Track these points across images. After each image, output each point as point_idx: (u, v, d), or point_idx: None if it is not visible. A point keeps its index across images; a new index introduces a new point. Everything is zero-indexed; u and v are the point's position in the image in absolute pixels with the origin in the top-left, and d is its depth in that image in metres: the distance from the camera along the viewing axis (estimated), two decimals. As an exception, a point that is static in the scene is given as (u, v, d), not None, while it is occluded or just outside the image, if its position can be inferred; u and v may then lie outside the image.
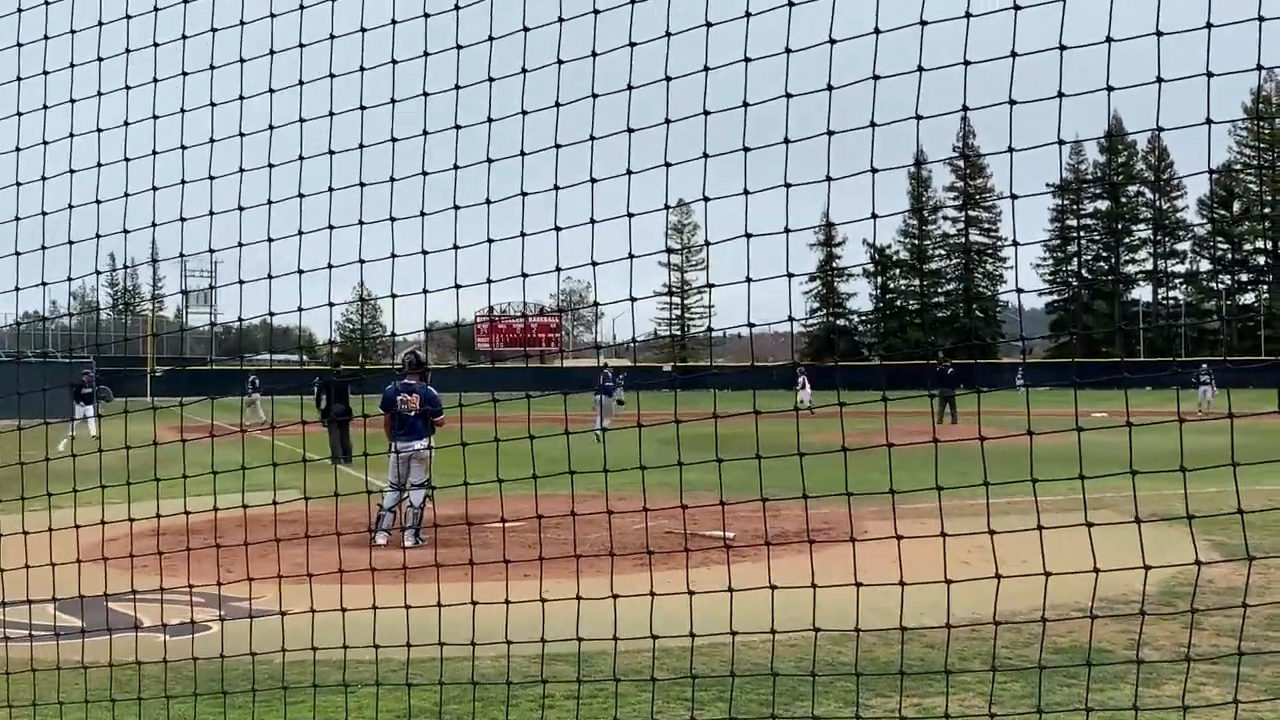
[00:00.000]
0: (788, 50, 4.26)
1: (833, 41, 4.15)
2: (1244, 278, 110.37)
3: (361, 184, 5.22)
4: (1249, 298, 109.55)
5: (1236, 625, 8.10)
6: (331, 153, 5.30)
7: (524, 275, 4.96)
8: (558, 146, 4.67)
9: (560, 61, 4.60)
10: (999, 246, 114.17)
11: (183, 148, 5.66)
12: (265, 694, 5.67)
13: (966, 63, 3.97)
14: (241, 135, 5.53)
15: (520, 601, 4.68)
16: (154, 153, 5.61)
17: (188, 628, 7.00)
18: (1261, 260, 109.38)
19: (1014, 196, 4.23)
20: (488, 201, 4.92)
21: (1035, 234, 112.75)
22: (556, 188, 4.66)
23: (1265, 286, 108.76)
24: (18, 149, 5.91)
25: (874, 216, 4.57)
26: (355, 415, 23.67)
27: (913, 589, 4.19)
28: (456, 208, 4.97)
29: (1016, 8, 3.96)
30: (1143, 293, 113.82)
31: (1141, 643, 7.91)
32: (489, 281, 4.98)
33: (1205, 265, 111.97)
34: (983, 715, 6.26)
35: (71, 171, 5.76)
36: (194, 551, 5.56)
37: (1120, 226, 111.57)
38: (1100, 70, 4.09)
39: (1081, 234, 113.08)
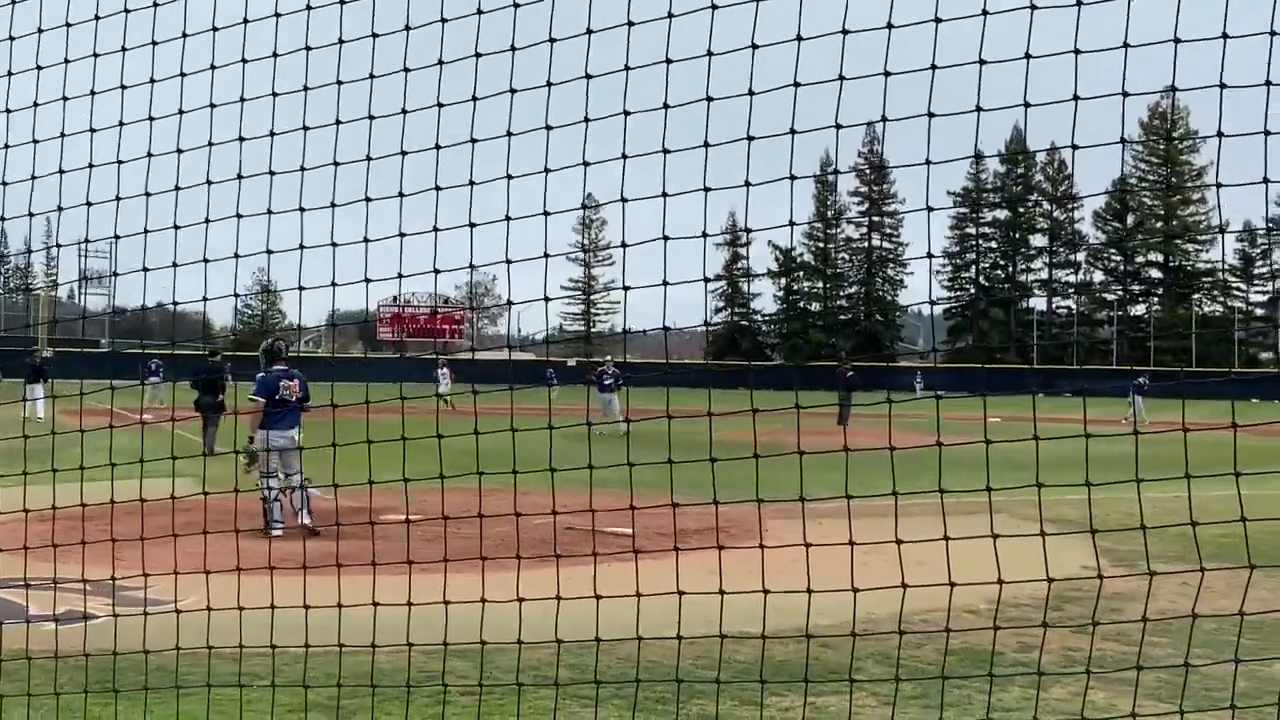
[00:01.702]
0: (709, 54, 4.27)
1: (755, 47, 4.17)
2: (1136, 289, 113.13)
3: (271, 172, 5.14)
4: (1140, 309, 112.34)
5: (1123, 629, 8.29)
6: (242, 139, 5.21)
7: (436, 271, 4.91)
8: (474, 141, 4.64)
9: (477, 55, 4.56)
10: (900, 251, 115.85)
11: (91, 131, 5.51)
12: (158, 691, 5.55)
13: (887, 73, 4.02)
14: (151, 119, 5.41)
15: (422, 604, 4.63)
16: (61, 135, 5.47)
17: (79, 617, 6.83)
18: (1154, 273, 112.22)
19: (929, 209, 4.28)
20: (400, 195, 4.86)
21: (936, 241, 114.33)
22: (472, 183, 4.62)
23: (1156, 299, 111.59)
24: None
25: (791, 224, 4.61)
26: (225, 410, 22.78)
27: (813, 585, 4.22)
28: (368, 200, 4.90)
29: (938, 21, 4.01)
30: (1038, 302, 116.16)
31: (1031, 646, 8.06)
32: (400, 276, 4.92)
33: (1099, 276, 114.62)
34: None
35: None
36: (88, 541, 5.43)
37: (1018, 236, 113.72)
38: (1011, 86, 4.17)
39: (980, 243, 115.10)
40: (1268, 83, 3.81)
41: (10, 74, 5.52)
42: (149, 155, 5.41)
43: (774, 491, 4.44)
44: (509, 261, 4.58)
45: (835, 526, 4.31)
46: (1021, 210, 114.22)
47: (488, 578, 4.41)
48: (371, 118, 4.92)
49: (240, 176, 5.16)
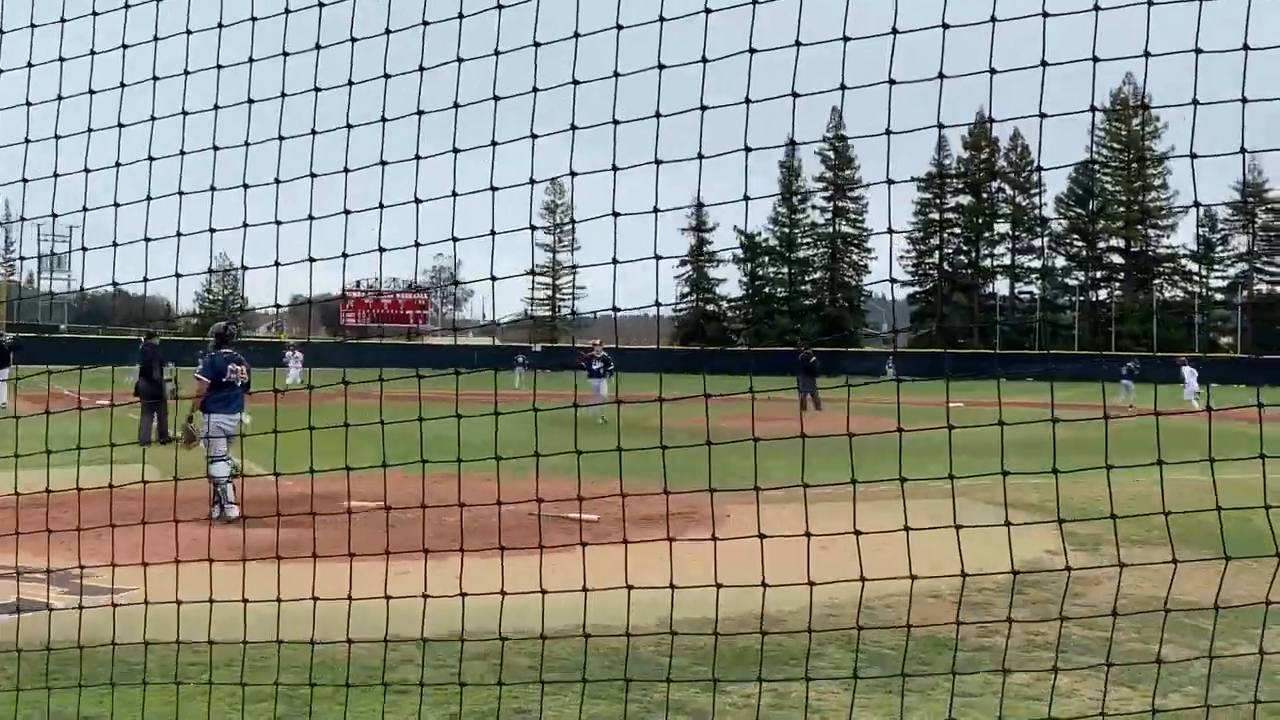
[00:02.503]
0: (660, 19, 4.13)
1: (708, 11, 4.03)
2: (1098, 274, 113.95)
3: (214, 147, 4.95)
4: (1102, 294, 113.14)
5: (1083, 614, 8.24)
6: (185, 113, 5.03)
7: (380, 249, 4.75)
8: (419, 112, 4.48)
9: (425, 23, 4.40)
10: (865, 237, 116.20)
11: (27, 104, 5.32)
12: (94, 687, 5.37)
13: (846, 38, 3.89)
14: (91, 92, 5.22)
15: (364, 598, 4.47)
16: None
17: (11, 608, 6.64)
18: (1115, 258, 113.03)
19: (890, 181, 4.16)
20: (345, 170, 4.71)
21: (899, 227, 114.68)
22: (417, 157, 4.46)
23: (1118, 284, 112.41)
24: None
25: (746, 199, 4.48)
26: (167, 395, 21.81)
27: (771, 572, 4.10)
28: (312, 175, 4.74)
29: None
30: (1000, 286, 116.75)
31: (994, 631, 8.01)
32: (343, 256, 4.77)
33: (1061, 261, 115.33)
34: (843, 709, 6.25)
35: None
36: (27, 531, 5.25)
37: (981, 221, 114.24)
38: (976, 57, 4.06)
39: (943, 228, 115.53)
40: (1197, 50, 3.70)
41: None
42: (89, 130, 5.22)
43: (739, 478, 4.33)
44: (455, 239, 4.43)
45: (796, 513, 4.19)
46: (984, 195, 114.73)
47: (448, 566, 4.27)
48: (317, 90, 4.75)
49: (181, 152, 4.97)
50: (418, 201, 4.53)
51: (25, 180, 5.31)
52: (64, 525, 5.36)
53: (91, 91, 5.23)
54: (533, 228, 4.59)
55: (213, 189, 4.94)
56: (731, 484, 4.45)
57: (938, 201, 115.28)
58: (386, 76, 4.46)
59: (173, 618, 4.58)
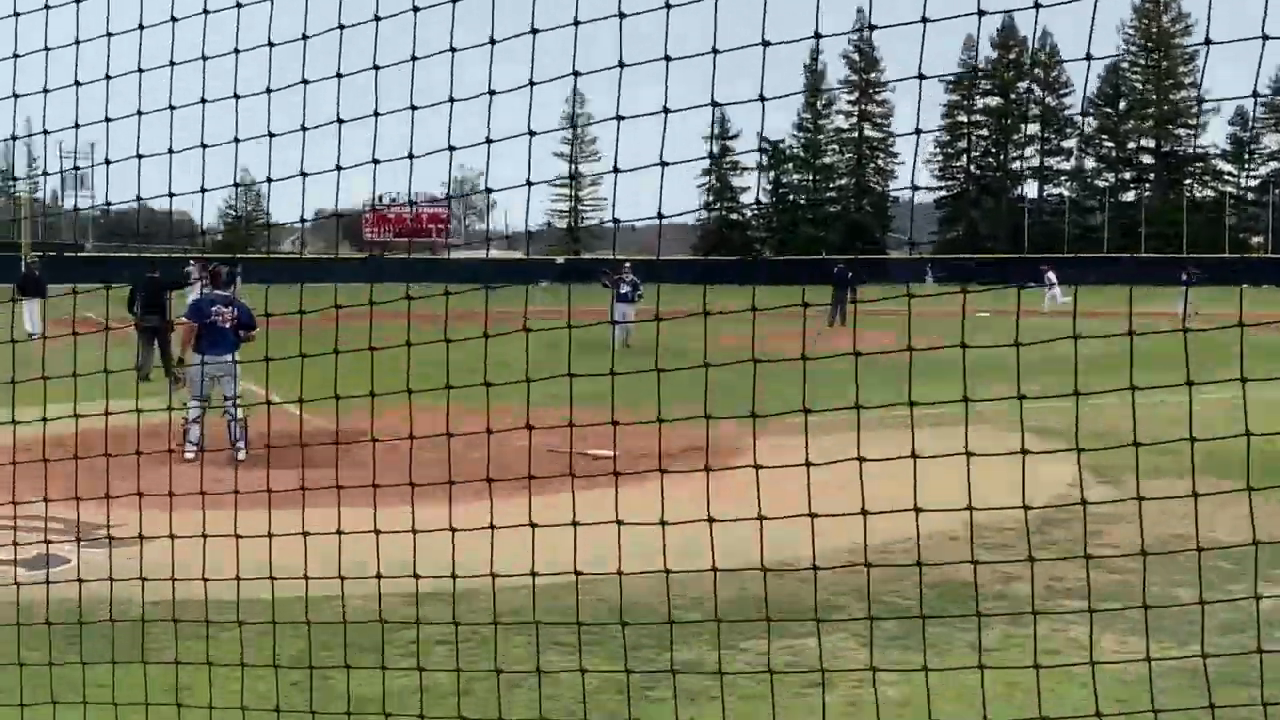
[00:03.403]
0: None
1: None
2: (1127, 175, 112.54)
3: (235, 50, 4.82)
4: (1130, 195, 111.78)
5: (1106, 556, 8.02)
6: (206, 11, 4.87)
7: (411, 156, 4.62)
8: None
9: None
10: (890, 141, 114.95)
11: (45, 7, 5.15)
12: (123, 647, 5.37)
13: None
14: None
15: (390, 531, 4.44)
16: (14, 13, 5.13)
17: (41, 562, 6.65)
18: (1146, 158, 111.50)
19: (921, 76, 4.00)
20: (374, 67, 4.54)
21: (927, 133, 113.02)
22: (453, 49, 4.31)
23: (1147, 185, 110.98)
24: None
25: (761, 98, 4.29)
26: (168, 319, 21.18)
27: (779, 512, 4.01)
28: (339, 75, 4.60)
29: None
30: (1029, 189, 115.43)
31: (1014, 577, 7.87)
32: (373, 162, 4.62)
33: (1090, 163, 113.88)
34: (860, 668, 6.21)
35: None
36: (33, 472, 5.21)
37: (1009, 123, 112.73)
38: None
39: (971, 130, 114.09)
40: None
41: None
42: (107, 35, 5.04)
43: (744, 403, 4.21)
44: (490, 140, 4.31)
45: (820, 446, 4.07)
46: (1013, 96, 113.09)
47: (456, 509, 4.23)
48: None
49: (203, 56, 4.83)
50: (452, 101, 4.40)
51: (46, 90, 5.19)
52: (87, 466, 5.34)
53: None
54: (531, 133, 4.46)
55: (236, 96, 4.80)
56: (737, 411, 4.31)
57: (965, 103, 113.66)
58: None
59: (197, 569, 4.57)
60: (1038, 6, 3.93)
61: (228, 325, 13.80)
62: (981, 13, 3.97)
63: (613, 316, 27.60)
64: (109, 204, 7.05)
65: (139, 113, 5.00)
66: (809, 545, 3.97)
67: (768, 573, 4.58)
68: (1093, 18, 3.79)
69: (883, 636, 6.63)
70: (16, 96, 5.25)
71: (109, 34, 5.00)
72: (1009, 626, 7.01)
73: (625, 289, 29.82)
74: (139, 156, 5.06)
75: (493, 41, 4.32)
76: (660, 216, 4.58)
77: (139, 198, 5.55)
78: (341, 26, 4.57)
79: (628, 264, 32.19)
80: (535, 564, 4.10)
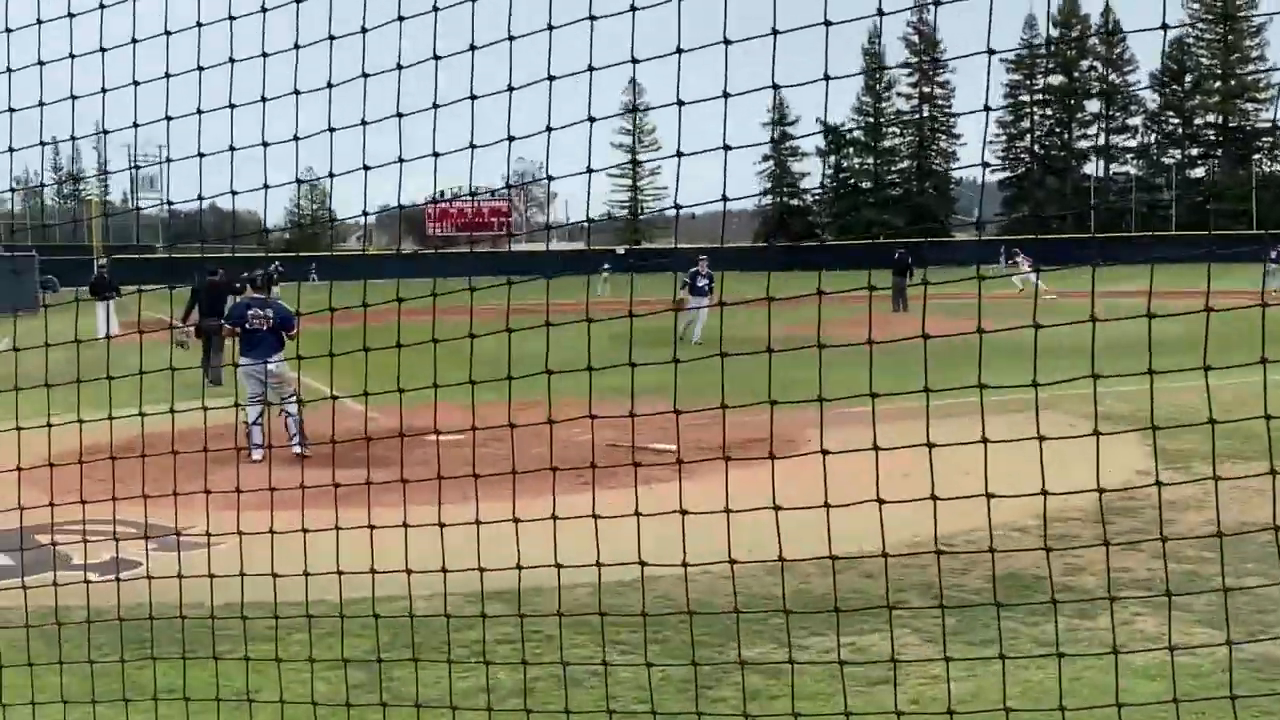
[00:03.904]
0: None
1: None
2: (1194, 152, 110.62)
3: (295, 46, 4.84)
4: (1199, 172, 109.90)
5: (1174, 546, 7.82)
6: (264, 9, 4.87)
7: (471, 146, 4.60)
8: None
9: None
10: (953, 123, 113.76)
11: (100, 6, 5.19)
12: (191, 645, 5.41)
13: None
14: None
15: (454, 524, 4.44)
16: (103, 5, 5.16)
17: (111, 566, 6.71)
18: (1211, 134, 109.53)
19: (991, 51, 3.93)
20: (434, 57, 4.54)
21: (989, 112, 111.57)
22: (510, 37, 4.32)
23: (1214, 161, 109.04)
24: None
25: (826, 78, 4.24)
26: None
27: (849, 511, 3.95)
28: (399, 67, 4.62)
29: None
30: (1092, 168, 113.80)
31: (1078, 569, 7.73)
32: (434, 155, 4.62)
33: (1155, 139, 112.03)
34: (935, 659, 6.13)
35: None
36: (117, 476, 5.27)
37: (1072, 102, 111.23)
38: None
39: (1034, 109, 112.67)
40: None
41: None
42: (165, 33, 5.07)
43: (806, 392, 4.16)
44: (550, 128, 4.29)
45: (883, 432, 4.00)
46: (1076, 75, 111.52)
47: (520, 505, 4.21)
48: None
49: (297, 46, 4.84)
50: (510, 89, 4.38)
51: (104, 90, 5.22)
52: (154, 467, 5.40)
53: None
54: (591, 119, 4.43)
55: (296, 92, 4.80)
56: (797, 397, 4.24)
57: (1028, 82, 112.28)
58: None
59: (267, 574, 4.59)
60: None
61: (265, 329, 13.95)
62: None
63: (677, 309, 26.18)
64: (170, 203, 7.13)
65: (198, 111, 5.00)
66: (868, 539, 3.91)
67: (835, 562, 4.51)
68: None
69: (945, 633, 6.53)
70: (74, 98, 5.31)
71: (165, 32, 5.03)
72: (1073, 619, 6.89)
73: (702, 281, 28.91)
74: (200, 155, 5.09)
75: (550, 28, 4.30)
76: (724, 199, 4.55)
77: (200, 196, 5.57)
78: (401, 18, 4.57)
79: (703, 256, 31.48)
80: (600, 556, 4.08)
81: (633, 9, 4.20)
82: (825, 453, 3.94)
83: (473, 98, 4.57)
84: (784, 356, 4.01)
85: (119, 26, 5.16)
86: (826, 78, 4.18)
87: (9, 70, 5.36)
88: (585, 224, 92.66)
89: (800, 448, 4.80)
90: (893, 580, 7.65)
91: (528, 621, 5.92)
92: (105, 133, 5.74)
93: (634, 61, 4.32)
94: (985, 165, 4.83)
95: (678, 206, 4.91)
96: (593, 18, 4.24)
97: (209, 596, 5.13)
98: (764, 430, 4.29)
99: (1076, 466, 3.83)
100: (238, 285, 22.14)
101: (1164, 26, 3.86)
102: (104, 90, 5.21)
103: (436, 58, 4.55)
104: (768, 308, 4.04)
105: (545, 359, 4.13)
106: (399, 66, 4.62)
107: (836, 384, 4.28)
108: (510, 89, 4.45)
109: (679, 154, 4.45)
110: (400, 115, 4.66)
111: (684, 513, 4.17)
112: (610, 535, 4.19)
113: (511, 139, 4.54)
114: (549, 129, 4.41)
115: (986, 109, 4.45)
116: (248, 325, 14.04)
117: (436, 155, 4.62)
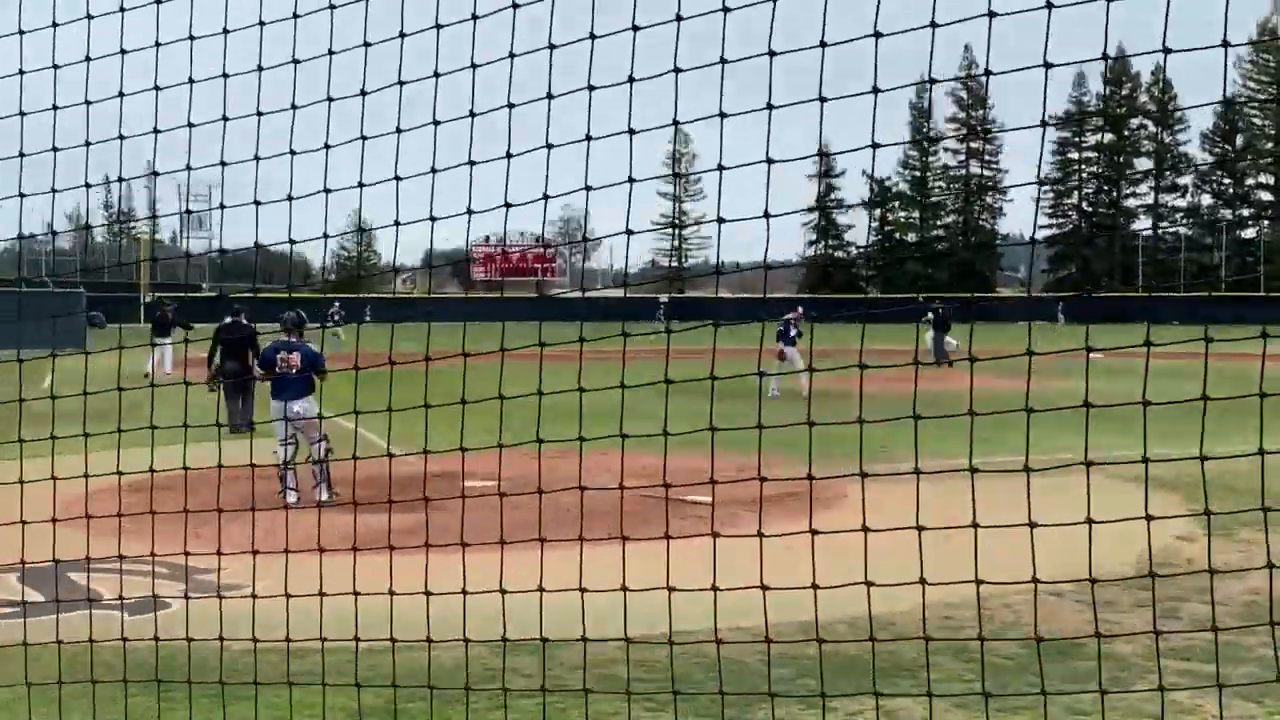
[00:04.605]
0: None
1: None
2: (1245, 213, 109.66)
3: (362, 92, 4.80)
4: (1250, 233, 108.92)
5: (1211, 614, 7.56)
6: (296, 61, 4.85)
7: (506, 205, 4.56)
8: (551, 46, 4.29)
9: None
10: (1000, 179, 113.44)
11: (156, 45, 5.15)
12: (204, 687, 5.32)
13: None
14: (226, 31, 5.04)
15: (478, 592, 4.30)
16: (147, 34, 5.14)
17: (147, 604, 6.65)
18: (1264, 195, 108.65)
19: (1044, 124, 3.87)
20: (471, 114, 4.50)
21: (1036, 167, 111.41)
22: (549, 98, 4.25)
23: (1266, 222, 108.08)
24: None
25: (874, 147, 4.17)
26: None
27: (888, 567, 3.82)
28: (435, 122, 4.57)
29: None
30: (1142, 225, 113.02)
31: (1114, 634, 7.50)
32: (468, 213, 4.60)
33: (1207, 200, 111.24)
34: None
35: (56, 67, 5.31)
36: (154, 516, 5.20)
37: (1121, 160, 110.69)
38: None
39: (1083, 167, 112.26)
40: None
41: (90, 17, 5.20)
42: (223, 75, 5.04)
43: (848, 451, 4.05)
44: (588, 189, 4.26)
45: (935, 490, 3.88)
46: (1125, 133, 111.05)
47: (547, 555, 4.12)
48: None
49: (329, 98, 4.81)
50: (549, 146, 4.35)
51: (157, 131, 5.21)
52: (179, 508, 5.33)
53: (226, 31, 5.03)
54: (631, 180, 4.38)
55: (363, 136, 4.77)
56: (849, 459, 4.14)
57: (1076, 140, 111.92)
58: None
59: (281, 615, 4.51)
60: (1166, 51, 3.77)
61: (293, 371, 13.88)
62: (1106, 57, 3.84)
63: (761, 362, 25.69)
64: (223, 250, 7.13)
65: (256, 158, 4.98)
66: (899, 600, 3.78)
67: (873, 631, 4.38)
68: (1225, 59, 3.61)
69: (975, 698, 6.33)
70: (123, 138, 5.30)
71: (224, 75, 5.01)
72: (1107, 686, 6.67)
73: (795, 332, 26.77)
74: (256, 204, 5.07)
75: (590, 88, 4.27)
76: (766, 267, 4.51)
77: (257, 245, 5.51)
78: (437, 75, 4.55)
79: (800, 308, 30.57)
80: (627, 619, 3.98)
81: (675, 70, 4.16)
82: (867, 530, 3.86)
83: (509, 156, 4.53)
84: (825, 409, 3.91)
85: (177, 63, 5.15)
86: (874, 145, 4.13)
87: (54, 108, 5.37)
88: (624, 280, 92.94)
89: (840, 505, 4.67)
90: (928, 646, 7.44)
91: (550, 678, 5.79)
92: (155, 174, 5.74)
93: (675, 125, 4.31)
94: (1034, 242, 4.74)
95: (719, 271, 4.86)
96: (632, 79, 4.22)
97: (220, 646, 5.04)
98: (800, 484, 4.16)
99: (1112, 529, 3.71)
100: (252, 325, 21.47)
101: (1225, 102, 3.77)
102: (156, 131, 5.21)
103: (473, 115, 4.53)
104: (859, 375, 3.91)
105: (619, 415, 4.06)
106: (435, 123, 4.60)
107: (878, 444, 4.17)
108: (549, 146, 4.42)
109: (720, 220, 4.45)
110: (434, 171, 4.63)
111: (715, 590, 4.05)
112: (641, 586, 4.08)
113: (546, 198, 4.51)
114: (586, 187, 4.43)
115: (1040, 183, 4.36)
116: (277, 369, 14.01)
117: (470, 213, 4.60)
